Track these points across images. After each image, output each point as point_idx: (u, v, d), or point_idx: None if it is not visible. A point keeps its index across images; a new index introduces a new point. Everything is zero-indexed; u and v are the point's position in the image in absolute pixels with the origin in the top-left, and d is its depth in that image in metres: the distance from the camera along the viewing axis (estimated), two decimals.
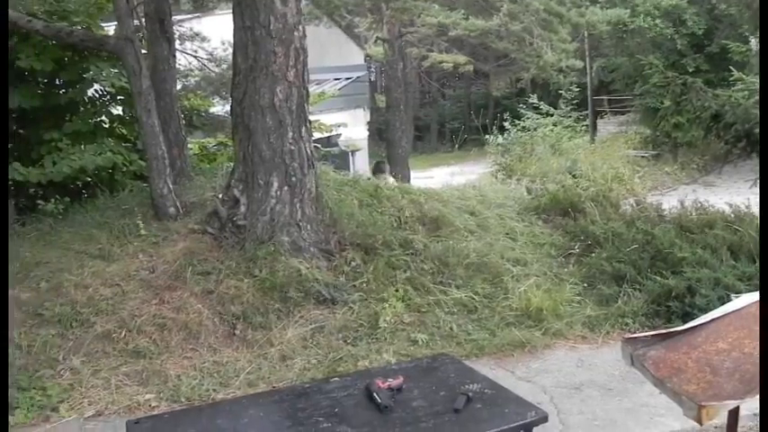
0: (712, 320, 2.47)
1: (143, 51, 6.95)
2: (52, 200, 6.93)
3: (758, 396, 2.08)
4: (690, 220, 6.93)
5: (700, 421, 2.04)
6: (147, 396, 4.54)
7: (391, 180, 10.10)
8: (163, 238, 6.10)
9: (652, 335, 2.49)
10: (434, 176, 12.33)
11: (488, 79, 33.97)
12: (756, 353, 2.23)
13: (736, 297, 2.61)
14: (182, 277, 5.59)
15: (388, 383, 2.64)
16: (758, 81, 8.93)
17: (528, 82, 28.53)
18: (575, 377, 4.86)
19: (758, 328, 2.37)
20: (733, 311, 2.49)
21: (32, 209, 7.06)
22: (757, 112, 7.09)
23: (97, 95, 8.11)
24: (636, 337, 2.49)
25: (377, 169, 10.36)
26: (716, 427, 3.95)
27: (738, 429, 4.13)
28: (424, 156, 28.39)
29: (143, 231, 6.17)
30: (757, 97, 8.32)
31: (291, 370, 4.84)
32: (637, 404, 4.39)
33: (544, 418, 2.43)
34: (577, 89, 23.01)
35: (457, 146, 28.42)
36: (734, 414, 2.58)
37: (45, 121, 7.42)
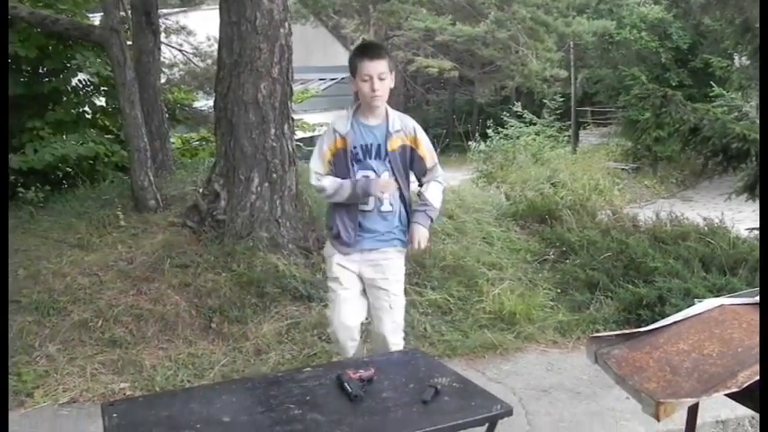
0: (675, 323, 2.56)
1: (128, 43, 6.97)
2: (32, 188, 6.94)
3: (715, 395, 2.17)
4: (664, 232, 7.03)
5: (657, 417, 2.12)
6: (122, 385, 4.54)
7: None
8: (142, 230, 6.12)
9: (616, 334, 2.57)
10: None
11: (473, 86, 34.20)
12: (715, 354, 2.32)
13: (699, 302, 2.69)
14: (160, 269, 5.60)
15: (359, 374, 2.69)
16: (738, 97, 9.12)
17: (512, 90, 28.76)
18: (544, 380, 4.92)
19: (718, 331, 2.46)
20: (695, 315, 2.57)
21: (12, 196, 7.06)
22: (735, 127, 7.24)
23: (81, 86, 8.13)
24: (601, 336, 2.57)
25: None
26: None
27: None
28: None
29: (122, 222, 6.19)
30: (736, 113, 8.50)
31: (266, 364, 4.86)
32: (603, 408, 4.46)
33: (509, 412, 2.49)
34: (561, 99, 23.22)
35: (439, 150, 28.50)
36: (693, 413, 2.67)
37: (28, 109, 7.43)
